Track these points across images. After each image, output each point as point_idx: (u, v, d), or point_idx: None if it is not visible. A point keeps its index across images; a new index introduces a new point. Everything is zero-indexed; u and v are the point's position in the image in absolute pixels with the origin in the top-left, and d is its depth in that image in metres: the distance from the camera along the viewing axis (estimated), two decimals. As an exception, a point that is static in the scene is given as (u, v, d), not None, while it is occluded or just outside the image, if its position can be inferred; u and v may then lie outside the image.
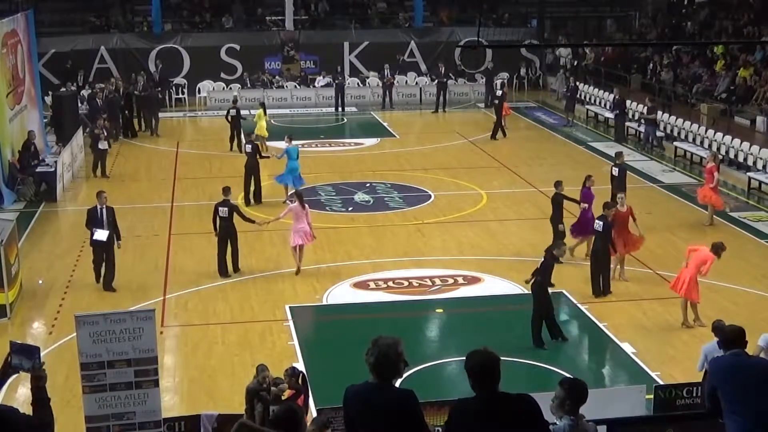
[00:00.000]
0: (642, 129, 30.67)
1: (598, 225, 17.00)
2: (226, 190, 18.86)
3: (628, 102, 33.82)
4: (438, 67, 38.47)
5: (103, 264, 17.77)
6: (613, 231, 17.26)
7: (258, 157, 23.77)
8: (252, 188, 23.76)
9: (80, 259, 19.62)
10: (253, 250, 20.20)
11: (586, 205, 19.04)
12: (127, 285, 18.03)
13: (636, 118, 32.60)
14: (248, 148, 24.20)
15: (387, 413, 5.83)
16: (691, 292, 15.54)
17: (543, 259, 15.41)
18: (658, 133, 30.31)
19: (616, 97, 31.72)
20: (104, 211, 17.76)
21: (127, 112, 33.07)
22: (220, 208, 18.56)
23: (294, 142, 23.95)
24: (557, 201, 19.07)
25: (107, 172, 26.83)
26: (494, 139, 31.62)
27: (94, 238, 17.63)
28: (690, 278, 15.48)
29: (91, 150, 27.34)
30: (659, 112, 31.10)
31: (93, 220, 17.77)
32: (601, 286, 17.16)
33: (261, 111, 29.87)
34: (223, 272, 18.51)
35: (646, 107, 30.36)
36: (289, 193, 22.57)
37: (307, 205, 18.95)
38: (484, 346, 5.88)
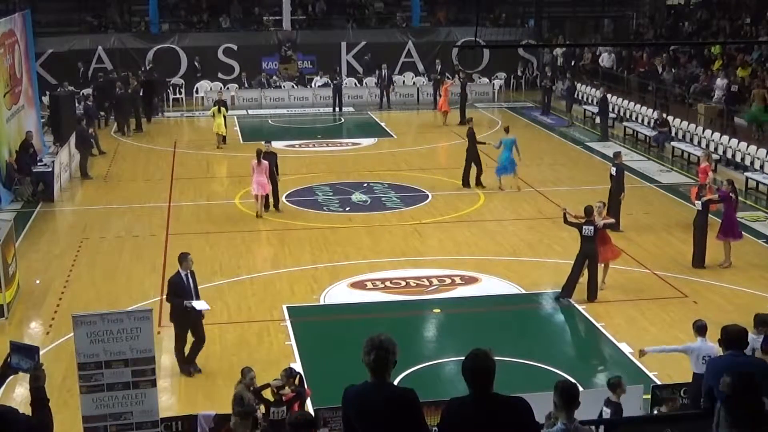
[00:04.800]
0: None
1: (588, 230, 16.81)
2: (268, 143, 23.38)
3: (626, 102, 33.95)
4: (435, 64, 38.75)
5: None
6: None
7: (476, 143, 25.06)
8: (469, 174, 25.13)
9: (77, 260, 19.63)
10: (250, 251, 20.22)
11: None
12: (124, 285, 18.04)
13: (631, 118, 32.76)
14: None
15: (389, 412, 5.83)
16: None
17: None
18: (650, 132, 30.39)
19: (601, 95, 31.97)
20: (190, 277, 14.40)
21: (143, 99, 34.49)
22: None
23: (509, 135, 25.04)
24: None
25: (90, 173, 26.90)
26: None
27: (198, 309, 14.29)
28: None
29: (78, 151, 27.20)
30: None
31: (180, 290, 14.23)
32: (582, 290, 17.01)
33: (215, 108, 30.61)
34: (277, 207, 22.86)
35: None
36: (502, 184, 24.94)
37: (264, 162, 21.96)
38: (485, 348, 5.87)
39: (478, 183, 25.04)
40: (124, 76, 35.59)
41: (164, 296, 14.42)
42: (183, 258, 14.39)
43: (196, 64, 39.56)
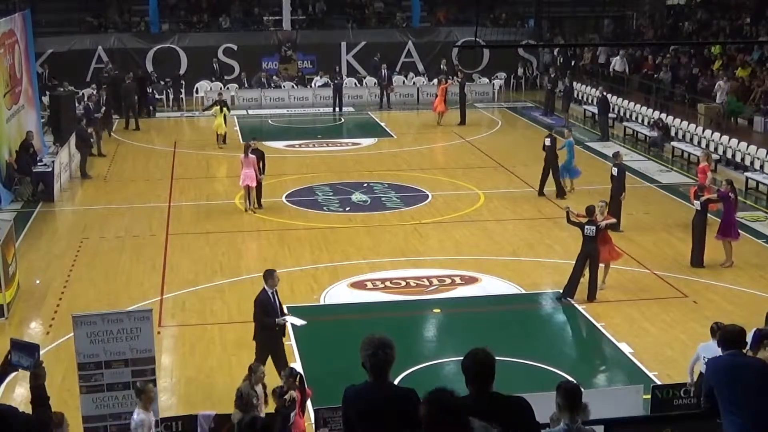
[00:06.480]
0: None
1: (590, 230, 16.81)
2: (256, 139, 24.49)
3: (626, 102, 33.94)
4: (440, 64, 39.05)
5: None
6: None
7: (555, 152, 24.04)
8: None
9: (77, 260, 19.63)
10: (251, 251, 20.22)
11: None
12: (124, 285, 18.04)
13: (631, 118, 32.78)
14: (548, 141, 24.27)
15: (390, 412, 5.84)
16: None
17: None
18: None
19: (601, 95, 32.01)
20: (276, 295, 13.71)
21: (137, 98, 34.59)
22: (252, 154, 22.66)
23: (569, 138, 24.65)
24: None
25: (89, 173, 26.92)
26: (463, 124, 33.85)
27: (298, 325, 13.91)
28: None
29: (78, 150, 27.18)
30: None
31: (270, 309, 13.46)
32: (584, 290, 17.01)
33: (217, 107, 30.70)
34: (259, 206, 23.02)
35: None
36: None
37: (251, 156, 22.53)
38: (483, 346, 5.88)
39: (560, 195, 23.80)
40: (115, 75, 35.59)
41: (252, 316, 13.79)
42: (269, 275, 13.53)
43: (214, 65, 39.55)
